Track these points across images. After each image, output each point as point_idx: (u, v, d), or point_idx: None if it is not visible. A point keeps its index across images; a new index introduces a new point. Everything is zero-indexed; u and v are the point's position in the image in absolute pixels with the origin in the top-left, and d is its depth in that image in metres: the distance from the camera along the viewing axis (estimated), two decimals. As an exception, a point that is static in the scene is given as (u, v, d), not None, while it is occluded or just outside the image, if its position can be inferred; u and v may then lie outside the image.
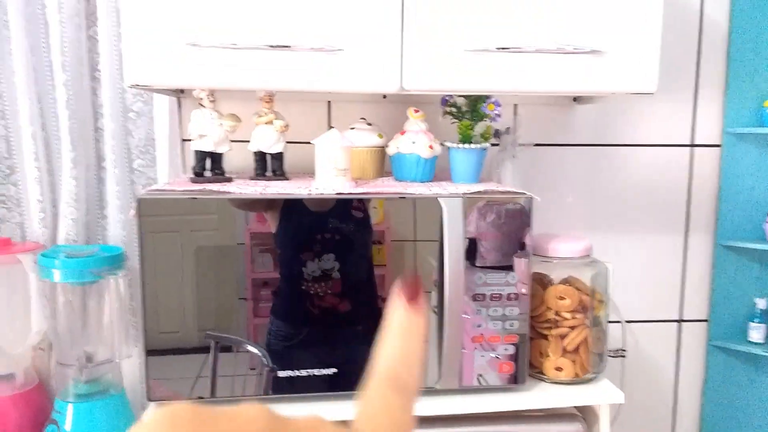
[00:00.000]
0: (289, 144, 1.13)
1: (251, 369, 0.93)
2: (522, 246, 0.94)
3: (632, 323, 1.44)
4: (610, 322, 1.39)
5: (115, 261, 1.10)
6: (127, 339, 1.11)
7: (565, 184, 1.38)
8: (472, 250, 0.93)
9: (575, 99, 1.34)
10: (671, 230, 1.43)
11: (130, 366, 1.26)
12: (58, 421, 1.09)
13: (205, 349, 0.93)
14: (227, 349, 0.93)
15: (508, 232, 0.94)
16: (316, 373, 0.93)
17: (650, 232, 1.43)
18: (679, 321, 1.45)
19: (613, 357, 1.33)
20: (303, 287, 0.91)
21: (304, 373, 0.93)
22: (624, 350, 1.30)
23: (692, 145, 1.41)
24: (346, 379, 0.94)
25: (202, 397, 0.92)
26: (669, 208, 1.42)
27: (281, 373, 0.93)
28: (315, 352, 0.93)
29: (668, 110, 1.39)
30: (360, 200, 0.92)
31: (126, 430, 1.10)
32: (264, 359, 0.93)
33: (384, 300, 0.95)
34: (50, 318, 1.13)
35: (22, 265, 1.14)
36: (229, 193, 0.90)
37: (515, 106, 1.34)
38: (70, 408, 1.09)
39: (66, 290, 1.10)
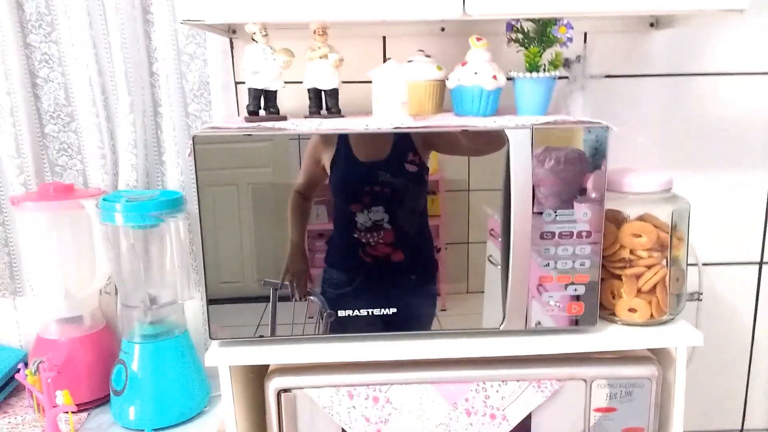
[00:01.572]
0: (344, 84, 1.08)
1: (309, 317, 0.92)
2: (584, 190, 0.88)
3: (710, 266, 1.35)
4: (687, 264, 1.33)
5: (174, 204, 1.10)
6: (189, 281, 1.12)
7: (639, 119, 1.29)
8: (561, 199, 0.88)
9: (652, 24, 1.23)
10: (754, 166, 1.32)
11: (193, 307, 1.28)
12: (126, 361, 1.11)
13: (264, 298, 0.92)
14: (285, 298, 0.91)
15: (569, 176, 0.87)
16: (376, 312, 0.91)
17: (731, 170, 1.32)
18: (760, 263, 1.36)
19: (689, 300, 1.26)
20: (355, 236, 0.89)
21: (363, 312, 0.91)
22: (700, 293, 1.23)
23: (781, 73, 1.28)
24: (402, 321, 0.92)
25: (263, 336, 0.92)
26: (753, 143, 1.31)
27: (341, 313, 0.91)
28: (368, 300, 0.92)
29: (757, 32, 1.26)
30: (415, 152, 0.88)
31: (190, 368, 1.12)
32: (321, 305, 0.91)
33: (438, 251, 0.91)
34: (114, 262, 1.15)
35: (85, 210, 1.16)
36: (283, 129, 0.87)
37: (585, 34, 1.25)
38: (136, 348, 1.11)
39: (128, 234, 1.11)
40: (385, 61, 1.22)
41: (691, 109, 1.29)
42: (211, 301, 0.91)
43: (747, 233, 1.35)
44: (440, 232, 0.91)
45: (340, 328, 0.92)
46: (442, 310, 0.93)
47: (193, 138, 0.85)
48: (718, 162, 1.32)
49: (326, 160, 0.88)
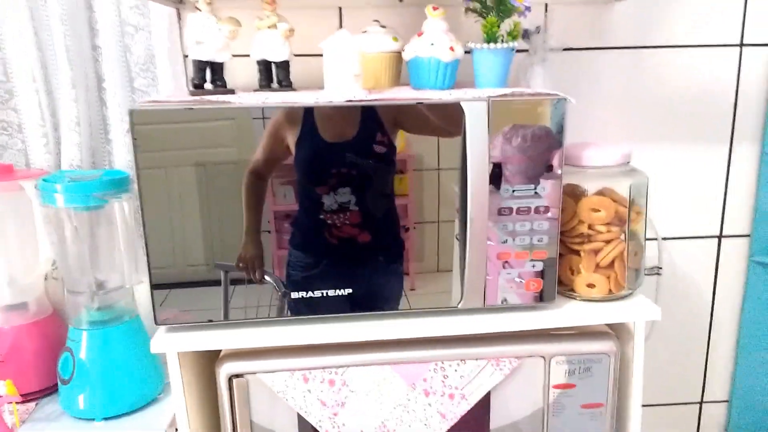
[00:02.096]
0: (297, 57, 1.04)
1: (263, 303, 0.89)
2: (550, 167, 0.86)
3: (669, 240, 1.36)
4: (646, 239, 1.33)
5: (119, 185, 1.05)
6: (137, 265, 1.07)
7: (601, 92, 1.27)
8: (497, 176, 0.85)
9: (612, -5, 1.21)
10: (714, 140, 1.32)
11: (145, 292, 1.23)
12: (73, 348, 1.07)
13: (214, 282, 0.88)
14: (237, 281, 0.88)
15: (536, 153, 0.85)
16: (330, 294, 0.88)
17: (691, 143, 1.32)
18: (719, 237, 1.36)
19: (648, 275, 1.26)
20: (321, 217, 0.86)
21: (324, 294, 0.88)
22: (660, 268, 1.23)
23: (741, 45, 1.27)
24: (369, 303, 0.90)
25: (212, 321, 0.88)
26: (713, 116, 1.31)
27: (302, 294, 0.88)
28: (334, 283, 0.89)
29: (716, 6, 1.25)
30: (383, 132, 0.84)
31: (142, 355, 1.08)
32: (275, 286, 0.88)
33: (406, 230, 0.89)
34: (57, 245, 1.09)
35: (25, 192, 1.10)
36: (228, 102, 0.82)
37: (546, 5, 1.22)
38: (84, 335, 1.06)
39: (71, 216, 1.06)
40: (341, 32, 1.17)
41: (652, 81, 1.28)
42: (155, 286, 0.87)
43: (706, 207, 1.35)
44: (408, 211, 0.88)
45: (302, 310, 0.89)
46: (411, 289, 0.91)
47: (130, 113, 0.80)
48: (679, 135, 1.31)
49: (291, 139, 0.84)
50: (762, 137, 1.31)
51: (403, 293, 0.91)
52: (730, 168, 1.33)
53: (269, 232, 0.88)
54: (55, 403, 1.12)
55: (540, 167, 0.86)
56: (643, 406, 1.44)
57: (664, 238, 1.35)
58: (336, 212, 0.86)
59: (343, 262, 0.88)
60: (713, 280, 1.39)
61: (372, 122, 0.85)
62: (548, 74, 1.16)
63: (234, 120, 0.84)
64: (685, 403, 1.46)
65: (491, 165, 0.85)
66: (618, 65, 1.26)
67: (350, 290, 0.89)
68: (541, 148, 0.86)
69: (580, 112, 1.27)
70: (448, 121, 0.85)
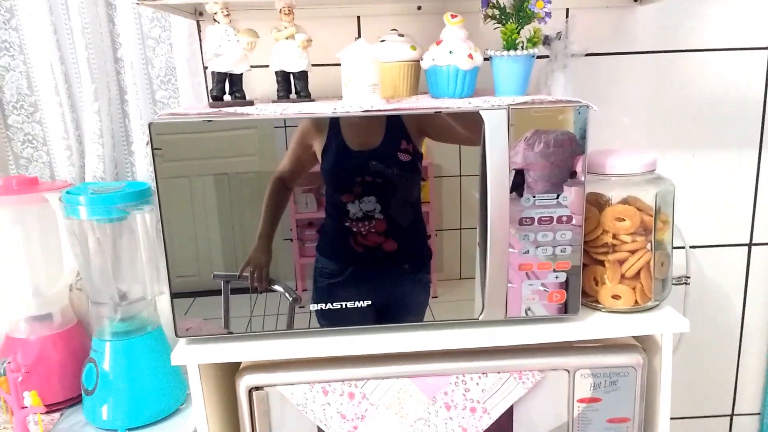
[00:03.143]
0: (316, 67, 1.04)
1: (272, 312, 0.88)
2: (574, 173, 0.84)
3: (697, 248, 1.32)
4: (673, 248, 1.29)
5: (141, 196, 1.05)
6: (158, 276, 1.07)
7: (624, 98, 1.25)
8: (519, 183, 0.84)
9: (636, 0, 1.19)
10: (743, 146, 1.29)
11: (167, 302, 1.24)
12: (96, 359, 1.07)
13: (241, 290, 0.88)
14: (252, 290, 0.88)
15: (558, 160, 0.83)
16: (354, 304, 0.87)
17: (719, 149, 1.29)
18: (749, 245, 1.33)
19: (675, 284, 1.22)
20: (346, 225, 0.85)
21: (341, 304, 0.87)
22: (688, 277, 1.20)
23: (771, 47, 1.24)
24: (394, 311, 0.90)
25: (231, 333, 0.88)
26: (741, 121, 1.27)
27: (318, 305, 0.87)
28: (358, 290, 0.88)
29: (742, 8, 1.22)
30: (408, 140, 0.84)
31: (164, 365, 1.08)
32: (286, 293, 0.87)
33: (428, 237, 0.88)
34: (81, 257, 1.10)
35: (50, 204, 1.11)
36: (246, 114, 0.82)
37: (567, 10, 1.20)
38: (107, 346, 1.07)
39: (94, 228, 1.07)
40: (360, 41, 1.17)
41: (677, 86, 1.25)
42: (176, 296, 0.87)
43: (736, 214, 1.31)
44: (430, 218, 0.88)
45: (326, 319, 0.89)
46: (433, 297, 0.90)
47: (150, 126, 0.80)
48: (706, 141, 1.28)
49: (317, 147, 0.84)
50: (793, 142, 1.27)
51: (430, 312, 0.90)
52: (760, 174, 1.29)
53: (291, 240, 0.88)
54: (79, 413, 1.13)
55: (562, 175, 0.85)
56: (673, 419, 1.40)
57: (692, 247, 1.31)
58: (361, 220, 0.85)
59: (368, 270, 0.88)
60: (743, 290, 1.35)
61: (397, 130, 0.84)
62: (570, 80, 1.14)
63: (256, 129, 0.84)
64: (716, 416, 1.42)
65: (512, 172, 0.84)
66: (642, 70, 1.24)
67: (375, 299, 0.88)
68: (563, 155, 0.84)
69: (603, 119, 1.24)
70: (471, 129, 0.84)
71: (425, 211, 0.87)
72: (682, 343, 1.32)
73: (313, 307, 0.88)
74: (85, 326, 1.22)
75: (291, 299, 0.88)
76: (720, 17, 1.22)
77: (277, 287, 0.87)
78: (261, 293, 0.88)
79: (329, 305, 0.88)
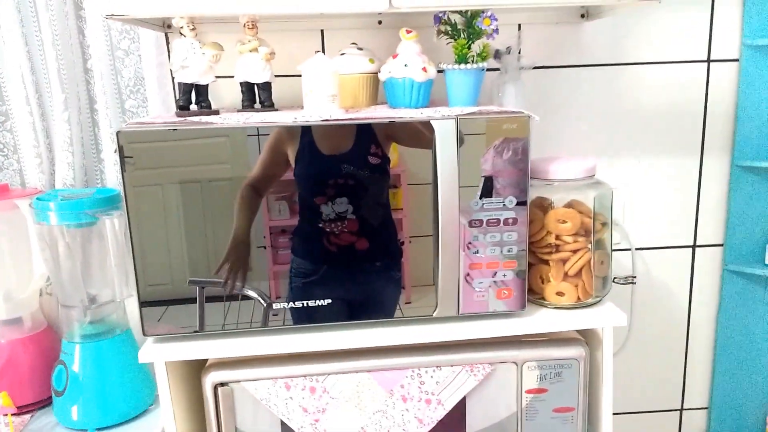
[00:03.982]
0: (283, 78, 1.09)
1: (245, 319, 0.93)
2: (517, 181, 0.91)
3: (645, 250, 1.40)
4: (620, 249, 1.37)
5: (109, 202, 1.09)
6: (127, 280, 1.11)
7: (574, 108, 1.32)
8: (488, 188, 0.90)
9: (583, 15, 1.26)
10: (686, 153, 1.37)
11: (135, 305, 1.27)
12: (66, 361, 1.10)
13: (210, 299, 0.92)
14: (229, 297, 0.92)
15: (504, 168, 0.90)
16: (327, 302, 0.92)
17: (664, 156, 1.37)
18: (693, 246, 1.41)
19: (623, 284, 1.29)
20: (320, 225, 0.90)
21: (316, 303, 0.92)
22: (634, 277, 1.27)
23: (709, 61, 1.33)
24: (360, 308, 0.95)
25: (197, 331, 0.92)
26: (684, 129, 1.36)
27: (298, 304, 0.92)
28: (333, 288, 0.93)
29: (683, 24, 1.31)
30: (377, 144, 0.89)
31: (133, 367, 1.11)
32: (260, 299, 0.92)
33: (402, 244, 0.93)
34: (51, 261, 1.13)
35: (20, 210, 1.14)
36: (211, 123, 0.87)
37: (519, 25, 1.27)
38: (76, 348, 1.10)
39: (64, 233, 1.10)
40: (324, 53, 1.23)
41: (624, 97, 1.33)
42: (144, 301, 0.91)
43: (680, 217, 1.39)
44: (404, 225, 0.92)
45: (300, 317, 0.93)
46: (407, 303, 0.94)
47: (117, 134, 0.84)
48: (652, 148, 1.36)
49: (291, 153, 0.88)
50: (731, 148, 1.36)
51: (398, 306, 0.95)
52: (702, 179, 1.38)
53: (265, 247, 0.92)
54: (50, 414, 1.15)
55: (509, 180, 0.91)
56: (625, 413, 1.48)
57: (639, 249, 1.39)
58: (334, 221, 0.90)
59: (341, 269, 0.92)
60: (689, 289, 1.43)
61: (366, 135, 0.89)
62: (522, 92, 1.21)
63: (228, 137, 0.88)
64: (666, 410, 1.50)
65: (483, 178, 0.90)
66: (591, 82, 1.31)
67: (349, 296, 0.93)
68: (509, 162, 0.90)
69: (555, 128, 1.32)
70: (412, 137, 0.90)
71: (398, 218, 0.92)
72: (632, 340, 1.39)
73: (288, 305, 0.92)
74: (55, 330, 1.24)
75: (265, 305, 0.92)
76: (662, 33, 1.31)
77: (251, 293, 0.91)
78: (237, 293, 0.91)
79: (304, 303, 0.92)
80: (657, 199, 1.38)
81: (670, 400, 1.49)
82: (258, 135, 0.88)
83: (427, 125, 0.89)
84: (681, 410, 1.50)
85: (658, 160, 1.37)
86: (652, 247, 1.40)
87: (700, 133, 1.36)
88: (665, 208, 1.39)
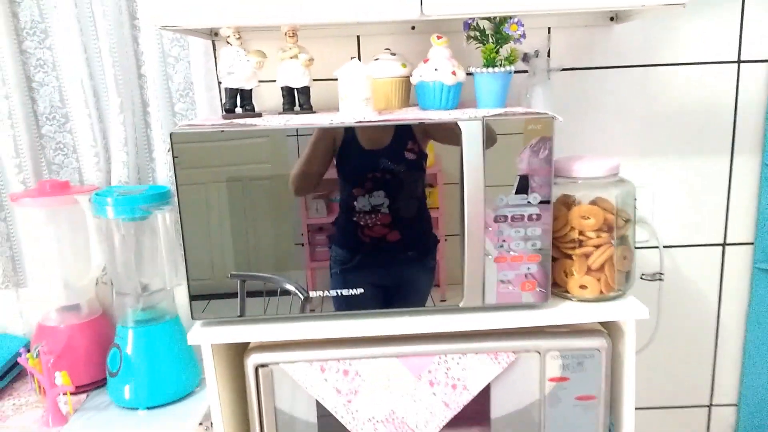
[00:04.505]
0: (320, 81, 1.16)
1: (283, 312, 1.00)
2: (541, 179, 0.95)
3: (674, 248, 1.42)
4: (649, 247, 1.39)
5: (161, 198, 1.17)
6: (176, 270, 1.19)
7: (604, 109, 1.35)
8: (522, 186, 0.96)
9: (612, 18, 1.29)
10: (717, 152, 1.39)
11: (184, 293, 1.36)
12: (120, 345, 1.20)
13: (252, 293, 0.99)
14: (256, 293, 0.98)
15: (530, 166, 0.95)
16: (344, 293, 0.98)
17: (695, 156, 1.39)
18: (723, 245, 1.42)
19: (649, 280, 1.32)
20: (354, 218, 0.96)
21: (333, 293, 0.98)
22: (661, 274, 1.30)
23: (739, 62, 1.34)
24: (394, 296, 1.00)
25: (241, 316, 0.99)
26: (714, 129, 1.37)
27: (334, 293, 0.99)
28: (368, 274, 0.99)
29: (713, 25, 1.32)
30: (414, 141, 0.95)
31: (181, 351, 1.20)
32: (298, 292, 0.98)
33: (437, 242, 0.98)
34: (107, 252, 1.23)
35: (80, 205, 1.24)
36: (254, 125, 0.94)
37: (549, 29, 1.31)
38: (129, 333, 1.19)
39: (119, 226, 1.19)
40: (360, 58, 1.29)
41: (655, 98, 1.35)
42: (192, 289, 0.98)
43: (710, 215, 1.41)
44: (439, 224, 0.98)
45: (338, 304, 0.99)
46: (441, 301, 1.00)
47: (171, 135, 0.92)
48: (683, 148, 1.38)
49: (335, 148, 0.95)
50: (762, 148, 1.37)
51: (431, 297, 1.00)
52: (732, 178, 1.39)
53: (302, 245, 0.98)
54: (104, 394, 1.24)
55: (535, 177, 0.95)
56: (653, 408, 1.50)
57: (668, 246, 1.41)
58: (369, 213, 0.96)
59: (375, 258, 0.98)
60: (718, 287, 1.44)
61: (404, 132, 0.96)
62: (552, 94, 1.26)
63: (268, 138, 0.95)
64: (695, 406, 1.51)
65: (518, 177, 0.95)
66: (620, 83, 1.34)
67: (383, 282, 0.99)
68: (536, 161, 0.95)
69: (585, 128, 1.35)
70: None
71: (435, 217, 0.98)
72: (661, 336, 1.41)
73: (324, 293, 0.99)
74: (109, 317, 1.34)
75: (303, 298, 0.99)
76: (692, 34, 1.33)
77: (289, 286, 0.98)
78: (276, 286, 0.98)
79: (339, 292, 0.99)
80: (687, 197, 1.40)
81: (699, 397, 1.51)
82: (297, 136, 0.95)
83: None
84: (710, 406, 1.51)
85: (689, 159, 1.39)
86: (681, 244, 1.42)
87: (731, 132, 1.37)
88: (695, 207, 1.40)
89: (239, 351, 1.05)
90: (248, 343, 1.03)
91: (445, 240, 0.98)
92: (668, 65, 1.34)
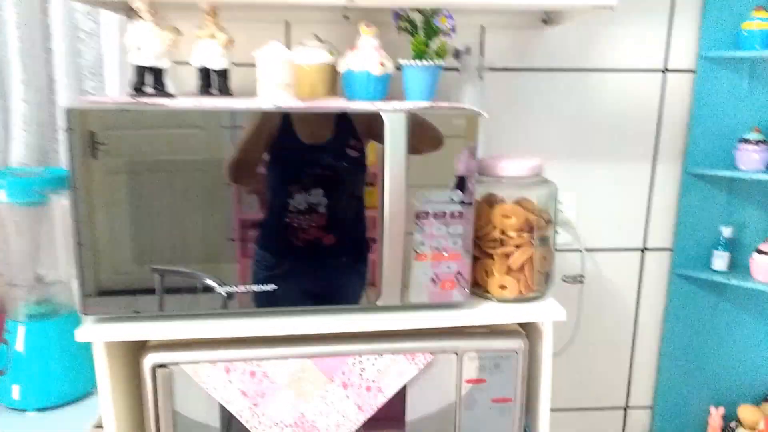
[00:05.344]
0: (243, 66, 1.09)
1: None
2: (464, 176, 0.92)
3: (595, 251, 1.43)
4: (571, 250, 1.40)
5: (61, 182, 1.08)
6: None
7: (534, 110, 1.35)
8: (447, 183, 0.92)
9: (544, 20, 1.29)
10: (639, 158, 1.41)
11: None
12: (9, 341, 1.09)
13: (144, 283, 0.91)
14: (173, 290, 0.91)
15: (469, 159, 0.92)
16: (255, 289, 0.92)
17: (619, 161, 1.40)
18: (643, 249, 1.45)
19: (571, 283, 1.33)
20: (287, 219, 0.89)
21: (242, 289, 0.92)
22: (582, 276, 1.30)
23: (665, 70, 1.37)
24: (322, 302, 0.95)
25: (137, 312, 0.91)
26: (638, 135, 1.40)
27: (221, 289, 0.92)
28: (297, 282, 0.93)
29: (642, 33, 1.34)
30: (357, 138, 0.89)
31: (77, 349, 1.11)
32: (222, 292, 0.91)
33: (374, 242, 0.93)
34: (-1, 239, 1.12)
35: (-30, 187, 1.13)
36: (162, 105, 0.87)
37: (482, 27, 1.30)
38: (20, 328, 1.09)
39: (13, 211, 1.09)
40: (289, 47, 1.24)
41: (580, 102, 1.36)
42: (84, 279, 0.90)
43: (631, 220, 1.43)
44: (375, 223, 0.92)
45: (255, 305, 0.93)
46: (370, 301, 0.95)
47: (67, 111, 0.84)
48: (607, 153, 1.40)
49: (269, 139, 0.87)
50: (683, 157, 1.40)
51: (366, 298, 0.95)
52: (653, 185, 1.42)
53: (233, 240, 0.91)
54: (-8, 394, 1.14)
55: (456, 176, 0.92)
56: (570, 410, 1.51)
57: (590, 250, 1.42)
58: (303, 213, 0.90)
59: (306, 262, 0.92)
60: (637, 290, 1.47)
61: (346, 127, 0.90)
62: (482, 92, 1.24)
63: (179, 120, 0.86)
64: (611, 408, 1.53)
65: (441, 174, 0.92)
66: (551, 87, 1.34)
67: (311, 288, 0.94)
68: (458, 158, 0.92)
69: (516, 128, 1.34)
70: (418, 138, 0.90)
71: (372, 216, 0.92)
72: (580, 338, 1.42)
73: (254, 289, 0.92)
74: (2, 309, 1.23)
75: (226, 295, 0.92)
76: (621, 41, 1.34)
77: (209, 281, 0.91)
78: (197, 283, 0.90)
79: (262, 288, 0.92)
80: (610, 202, 1.41)
81: (616, 399, 1.53)
82: (213, 121, 0.86)
83: (418, 128, 0.90)
84: (626, 408, 1.54)
85: (613, 164, 1.40)
86: (603, 248, 1.43)
87: (653, 140, 1.40)
88: (617, 212, 1.42)
89: (137, 351, 0.98)
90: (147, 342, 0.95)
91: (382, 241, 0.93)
92: (597, 71, 1.35)
